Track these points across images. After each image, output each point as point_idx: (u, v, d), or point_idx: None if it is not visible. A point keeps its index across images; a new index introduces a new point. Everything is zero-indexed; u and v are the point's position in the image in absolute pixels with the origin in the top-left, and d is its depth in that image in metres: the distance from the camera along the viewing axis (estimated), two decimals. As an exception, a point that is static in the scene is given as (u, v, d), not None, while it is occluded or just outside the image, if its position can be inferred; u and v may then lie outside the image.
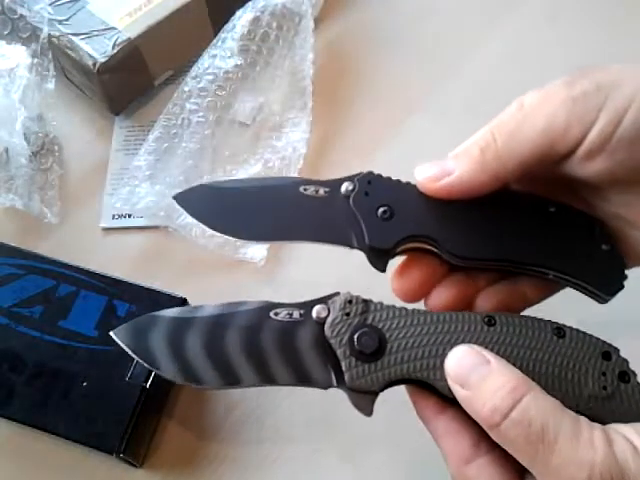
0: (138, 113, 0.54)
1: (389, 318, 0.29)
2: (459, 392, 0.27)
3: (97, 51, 0.48)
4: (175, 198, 0.34)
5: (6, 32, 0.52)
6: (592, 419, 0.25)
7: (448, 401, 0.28)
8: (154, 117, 0.50)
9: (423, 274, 0.32)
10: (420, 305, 0.32)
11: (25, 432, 0.39)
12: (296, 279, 0.46)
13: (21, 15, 0.50)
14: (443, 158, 0.31)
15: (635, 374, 0.28)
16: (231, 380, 0.30)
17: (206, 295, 0.42)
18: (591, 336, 0.28)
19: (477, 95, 0.53)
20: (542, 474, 0.24)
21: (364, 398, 0.29)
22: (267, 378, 0.30)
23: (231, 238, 0.32)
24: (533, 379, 0.27)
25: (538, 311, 0.32)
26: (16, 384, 0.38)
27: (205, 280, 0.46)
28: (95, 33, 0.49)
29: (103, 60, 0.48)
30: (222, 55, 0.49)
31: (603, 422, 0.26)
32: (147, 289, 0.41)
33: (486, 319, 0.29)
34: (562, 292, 0.33)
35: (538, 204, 0.31)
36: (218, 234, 0.46)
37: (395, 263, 0.33)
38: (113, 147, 0.52)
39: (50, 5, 0.50)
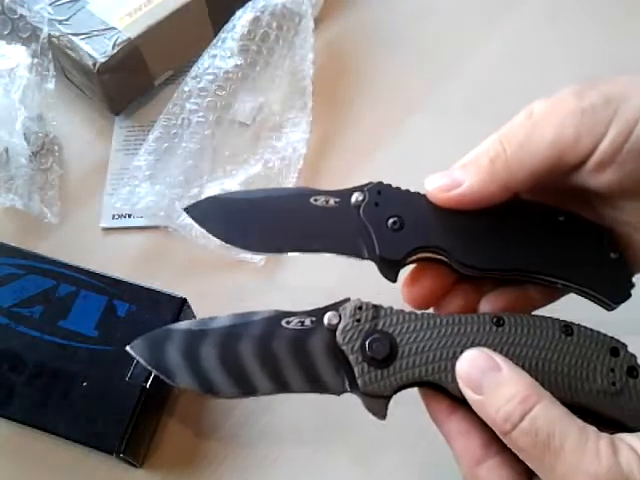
0: (138, 113, 0.54)
1: (399, 323, 0.30)
2: (471, 396, 0.27)
3: (97, 51, 0.48)
4: (186, 210, 0.34)
5: (6, 32, 0.52)
6: (601, 415, 0.26)
7: (459, 402, 0.28)
8: (154, 117, 0.50)
9: (433, 283, 0.33)
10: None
11: (25, 432, 0.39)
12: (296, 279, 0.46)
13: (21, 15, 0.50)
14: (449, 165, 0.31)
15: None
16: (247, 389, 0.31)
17: (206, 295, 0.43)
18: (599, 333, 0.29)
19: (477, 95, 0.53)
20: None
21: (377, 402, 0.29)
22: (282, 386, 0.31)
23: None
24: (542, 378, 0.27)
25: (545, 309, 0.32)
26: (16, 384, 0.38)
27: (205, 280, 0.46)
28: (95, 33, 0.49)
29: (103, 60, 0.48)
30: (222, 55, 0.49)
31: (612, 418, 0.26)
32: (147, 289, 0.41)
33: (495, 320, 0.29)
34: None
35: (547, 213, 0.31)
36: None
37: (404, 271, 0.33)
38: (113, 147, 0.52)
39: (50, 5, 0.50)
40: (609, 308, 0.31)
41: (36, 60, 0.48)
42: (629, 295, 0.30)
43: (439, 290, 0.33)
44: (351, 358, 0.29)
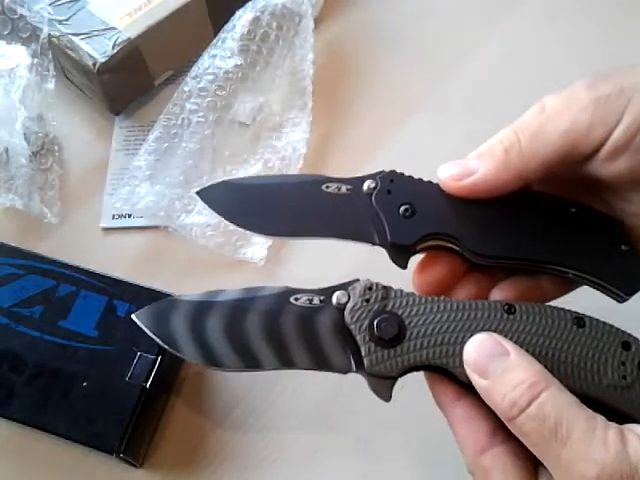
0: (138, 113, 0.54)
1: (409, 305, 0.30)
2: (477, 381, 0.27)
3: (97, 51, 0.48)
4: (198, 193, 0.35)
5: (6, 32, 0.52)
6: (611, 408, 0.26)
7: (466, 388, 0.28)
8: (154, 117, 0.50)
9: (444, 270, 0.33)
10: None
11: (25, 432, 0.39)
12: (296, 279, 0.45)
13: (21, 15, 0.50)
14: (461, 158, 0.31)
15: None
16: (251, 363, 0.31)
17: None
18: (611, 326, 0.29)
19: (477, 95, 0.53)
20: (554, 468, 0.25)
21: (383, 383, 0.29)
22: (287, 361, 0.31)
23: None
24: (552, 368, 0.27)
25: (558, 301, 0.32)
26: (16, 384, 0.38)
27: (205, 280, 0.46)
28: (95, 33, 0.49)
29: (103, 60, 0.48)
30: (222, 55, 0.49)
31: (623, 412, 0.26)
32: (147, 289, 0.41)
33: (506, 307, 0.29)
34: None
35: (559, 205, 0.32)
36: (218, 234, 0.46)
37: (414, 262, 0.33)
38: (113, 147, 0.52)
39: (50, 5, 0.50)
40: (620, 300, 0.31)
41: (36, 60, 0.48)
42: None
43: (450, 278, 0.33)
44: (358, 337, 0.29)
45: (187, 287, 0.42)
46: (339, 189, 0.33)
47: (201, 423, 0.41)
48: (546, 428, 0.24)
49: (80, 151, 0.52)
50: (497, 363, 0.26)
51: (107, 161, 0.51)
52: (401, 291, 0.30)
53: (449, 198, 0.31)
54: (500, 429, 0.27)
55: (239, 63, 0.49)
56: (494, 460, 0.27)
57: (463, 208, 0.31)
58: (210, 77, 0.49)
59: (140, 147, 0.49)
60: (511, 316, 0.29)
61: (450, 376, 0.29)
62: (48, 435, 0.38)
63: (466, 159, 0.31)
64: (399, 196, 0.32)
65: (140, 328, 0.37)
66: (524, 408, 0.25)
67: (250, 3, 0.50)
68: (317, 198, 0.33)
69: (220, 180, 0.36)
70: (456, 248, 0.32)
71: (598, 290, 0.31)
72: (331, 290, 0.31)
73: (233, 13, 0.50)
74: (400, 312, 0.29)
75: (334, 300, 0.31)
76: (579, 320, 0.29)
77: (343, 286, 0.31)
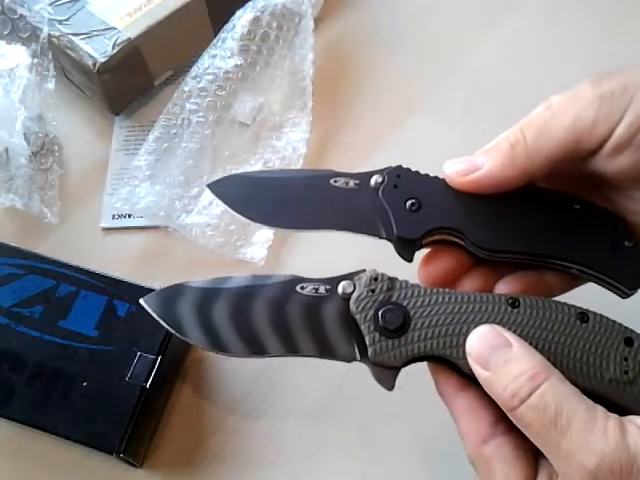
0: (138, 113, 0.54)
1: (414, 296, 0.30)
2: (479, 372, 0.27)
3: (97, 51, 0.48)
4: (209, 186, 0.35)
5: (6, 32, 0.52)
6: (613, 403, 0.26)
7: (469, 379, 0.28)
8: (154, 117, 0.50)
9: (449, 264, 0.33)
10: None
11: (25, 432, 0.39)
12: (296, 279, 0.46)
13: (21, 15, 0.50)
14: (465, 155, 0.31)
15: None
16: (256, 349, 0.31)
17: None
18: (614, 322, 0.29)
19: (477, 95, 0.53)
20: (554, 458, 0.25)
21: (386, 373, 0.29)
22: (291, 349, 0.31)
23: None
24: (555, 362, 0.27)
25: (561, 296, 0.32)
26: (16, 384, 0.38)
27: (205, 280, 0.46)
28: (95, 33, 0.49)
29: (103, 60, 0.48)
30: (222, 55, 0.49)
31: (624, 407, 0.26)
32: (147, 289, 0.41)
33: (510, 301, 0.29)
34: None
35: (563, 201, 0.32)
36: (218, 234, 0.46)
37: (419, 258, 0.33)
38: (113, 147, 0.52)
39: (50, 5, 0.50)
40: (624, 296, 0.31)
41: (36, 60, 0.48)
42: None
43: (455, 271, 0.33)
44: (363, 327, 0.30)
45: (187, 287, 0.42)
46: (347, 183, 0.33)
47: (201, 423, 0.41)
48: (546, 418, 0.24)
49: (80, 151, 0.52)
50: (499, 354, 0.27)
51: (107, 161, 0.51)
52: (406, 282, 0.31)
53: (455, 193, 0.32)
54: (502, 420, 0.27)
55: (239, 63, 0.50)
56: (495, 450, 0.27)
57: (469, 203, 0.32)
58: (210, 77, 0.49)
59: (140, 147, 0.49)
60: (515, 310, 0.29)
61: (453, 367, 0.29)
62: (48, 435, 0.38)
63: (472, 155, 0.31)
64: (406, 191, 0.32)
65: (140, 328, 0.38)
66: (525, 399, 0.25)
67: (250, 3, 0.50)
68: (325, 192, 0.33)
69: (230, 174, 0.36)
70: (461, 242, 0.32)
71: (601, 286, 0.32)
72: (337, 280, 0.31)
73: (233, 13, 0.50)
74: (405, 303, 0.30)
75: (340, 290, 0.31)
76: (583, 315, 0.29)
77: (349, 276, 0.31)
